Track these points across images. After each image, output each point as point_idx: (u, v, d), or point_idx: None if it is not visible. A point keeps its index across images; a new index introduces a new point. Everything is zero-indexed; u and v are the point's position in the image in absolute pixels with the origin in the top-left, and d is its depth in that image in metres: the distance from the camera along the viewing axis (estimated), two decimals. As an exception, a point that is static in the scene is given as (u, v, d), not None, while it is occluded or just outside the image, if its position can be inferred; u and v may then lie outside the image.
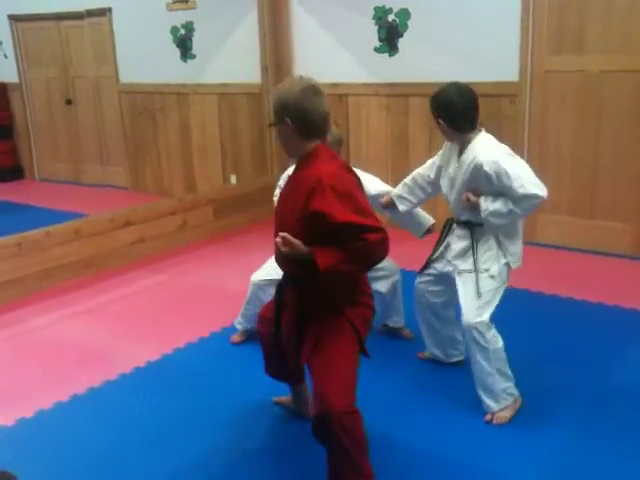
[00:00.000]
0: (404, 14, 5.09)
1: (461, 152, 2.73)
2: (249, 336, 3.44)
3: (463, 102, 2.65)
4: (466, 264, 2.75)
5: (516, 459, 2.45)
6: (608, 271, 4.35)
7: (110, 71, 6.96)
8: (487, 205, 2.63)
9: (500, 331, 3.45)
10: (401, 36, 5.14)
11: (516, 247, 2.75)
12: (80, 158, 7.70)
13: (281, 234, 2.07)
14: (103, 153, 7.48)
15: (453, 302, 2.92)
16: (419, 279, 3.04)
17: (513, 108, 4.75)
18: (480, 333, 2.67)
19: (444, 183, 2.86)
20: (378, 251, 2.05)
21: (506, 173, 2.56)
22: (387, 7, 5.15)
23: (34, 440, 2.70)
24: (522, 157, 4.87)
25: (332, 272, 2.02)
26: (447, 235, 2.91)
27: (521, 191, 2.56)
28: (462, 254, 2.78)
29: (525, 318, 3.59)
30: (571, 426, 2.64)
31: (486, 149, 2.64)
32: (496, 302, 2.73)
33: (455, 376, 3.03)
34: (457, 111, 2.64)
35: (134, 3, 6.59)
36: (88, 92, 7.36)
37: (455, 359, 3.14)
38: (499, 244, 2.72)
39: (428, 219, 3.23)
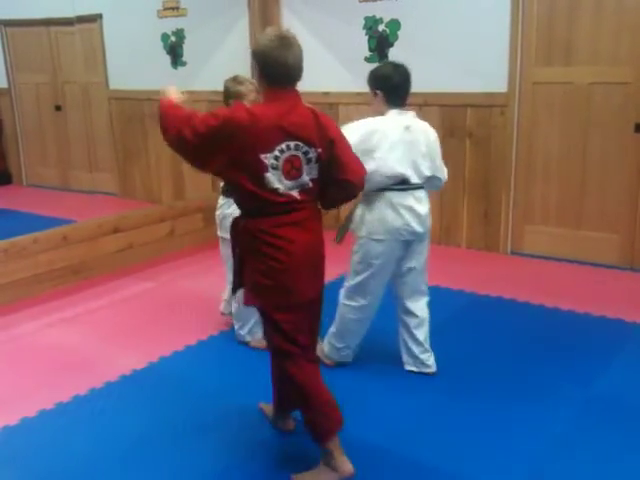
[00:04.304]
0: (394, 24, 5.12)
1: None
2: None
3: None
4: None
5: (499, 467, 2.44)
6: (595, 282, 4.38)
7: (100, 77, 6.94)
8: None
9: (486, 340, 3.47)
10: (391, 46, 5.17)
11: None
12: (69, 164, 7.65)
13: None
14: (92, 159, 7.45)
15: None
16: None
17: (502, 118, 4.79)
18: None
19: None
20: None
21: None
22: (377, 17, 5.18)
23: (18, 448, 2.67)
24: (510, 167, 4.97)
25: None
26: None
27: None
28: None
29: (511, 328, 3.60)
30: (555, 434, 2.65)
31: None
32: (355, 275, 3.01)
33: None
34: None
35: (125, 10, 6.58)
36: (78, 98, 7.32)
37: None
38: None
39: None
